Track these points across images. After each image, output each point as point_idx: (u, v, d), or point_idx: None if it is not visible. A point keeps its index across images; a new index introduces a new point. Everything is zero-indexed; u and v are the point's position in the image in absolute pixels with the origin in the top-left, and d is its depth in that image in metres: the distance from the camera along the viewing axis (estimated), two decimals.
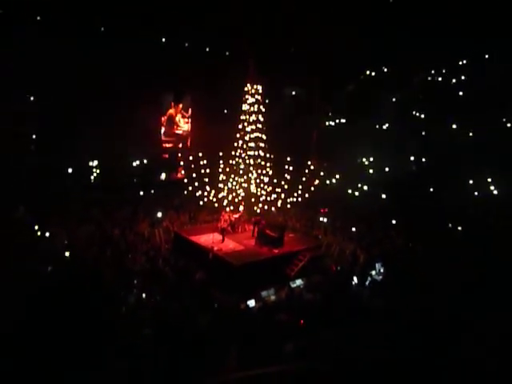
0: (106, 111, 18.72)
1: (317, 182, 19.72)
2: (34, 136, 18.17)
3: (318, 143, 21.83)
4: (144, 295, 11.45)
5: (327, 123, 22.71)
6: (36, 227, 14.13)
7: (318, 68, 20.98)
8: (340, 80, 21.72)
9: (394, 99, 22.21)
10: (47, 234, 14.07)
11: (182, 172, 21.70)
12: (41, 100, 17.95)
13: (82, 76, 17.66)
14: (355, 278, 13.20)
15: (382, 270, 13.72)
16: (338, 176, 20.48)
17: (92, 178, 18.64)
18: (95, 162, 19.12)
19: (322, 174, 20.42)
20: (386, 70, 21.80)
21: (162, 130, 23.03)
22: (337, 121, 23.50)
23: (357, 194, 19.59)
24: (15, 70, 16.29)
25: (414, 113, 21.02)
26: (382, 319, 10.54)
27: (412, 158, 20.31)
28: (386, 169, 20.44)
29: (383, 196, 19.23)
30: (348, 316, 10.70)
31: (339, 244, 15.76)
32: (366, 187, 19.77)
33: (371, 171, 20.83)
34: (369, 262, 14.14)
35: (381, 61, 21.46)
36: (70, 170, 18.22)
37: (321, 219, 17.61)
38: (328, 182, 20.34)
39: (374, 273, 13.62)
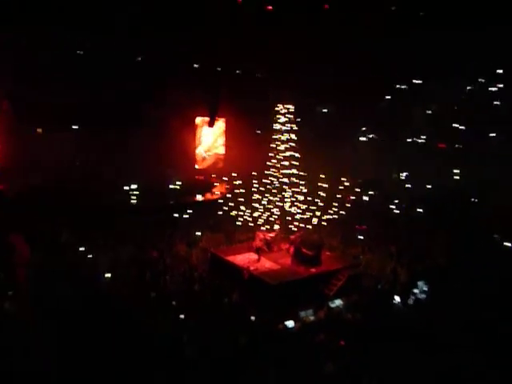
0: (144, 135, 19.41)
1: (352, 198, 19.38)
2: (76, 162, 19.02)
3: (352, 159, 21.55)
4: (182, 316, 11.51)
5: (361, 138, 22.44)
6: (80, 249, 14.67)
7: (350, 83, 20.92)
8: (373, 94, 21.49)
9: (429, 111, 21.70)
10: (90, 256, 14.56)
11: (217, 192, 21.98)
12: (81, 126, 18.83)
13: (120, 101, 18.45)
14: (397, 297, 12.72)
15: (425, 289, 13.16)
16: (373, 192, 20.08)
17: (132, 200, 19.18)
18: (134, 186, 19.71)
19: (357, 190, 20.07)
20: (419, 82, 21.39)
21: (197, 152, 23.51)
22: (370, 136, 23.17)
23: (395, 209, 19.08)
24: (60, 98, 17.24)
25: (451, 125, 20.38)
26: (426, 340, 10.05)
27: (454, 171, 19.61)
28: (426, 184, 19.84)
29: (423, 211, 18.63)
30: (390, 336, 10.31)
31: (379, 262, 15.30)
32: (404, 203, 19.24)
33: (409, 186, 20.28)
34: (411, 280, 13.62)
35: (414, 73, 21.10)
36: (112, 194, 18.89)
37: (358, 237, 17.23)
38: (364, 198, 19.96)
39: (417, 291, 13.08)
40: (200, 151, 23.67)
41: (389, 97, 22.18)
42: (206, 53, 19.82)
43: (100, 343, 9.35)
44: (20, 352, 8.90)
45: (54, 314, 10.34)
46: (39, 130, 18.55)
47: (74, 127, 18.81)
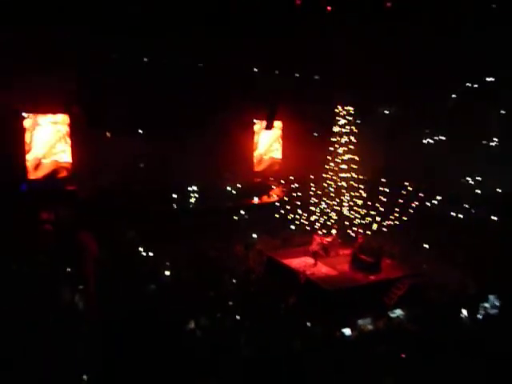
0: (203, 138, 19.93)
1: (416, 203, 18.48)
2: (140, 165, 19.97)
3: (416, 162, 20.56)
4: (238, 317, 11.63)
5: (425, 141, 21.36)
6: (142, 248, 15.38)
7: (414, 83, 20.01)
8: (440, 94, 20.37)
9: (502, 112, 20.17)
10: (151, 254, 15.21)
11: (274, 195, 22.01)
12: (146, 130, 19.74)
13: (183, 106, 19.09)
14: (464, 311, 11.90)
15: (497, 304, 12.18)
16: (439, 197, 19.00)
17: (191, 202, 19.80)
18: (194, 187, 20.33)
19: (421, 195, 19.12)
20: (491, 79, 19.93)
21: (255, 154, 23.69)
22: (436, 138, 22.00)
23: (462, 216, 17.91)
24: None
25: None
26: (498, 358, 9.29)
27: None
28: (498, 189, 18.43)
29: (494, 219, 17.31)
30: (456, 352, 9.66)
31: (444, 272, 14.44)
32: (474, 208, 18.01)
33: (479, 191, 18.95)
34: (480, 292, 12.69)
35: (485, 71, 19.69)
36: (174, 195, 19.61)
37: (422, 244, 16.39)
38: (428, 203, 18.95)
39: (487, 305, 12.15)
40: (257, 154, 23.82)
41: (455, 96, 20.92)
42: (265, 56, 19.93)
43: (159, 341, 9.70)
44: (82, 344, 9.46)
45: (117, 309, 10.90)
46: (108, 134, 19.71)
47: (139, 131, 19.77)
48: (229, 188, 21.16)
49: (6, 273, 12.33)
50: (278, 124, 23.74)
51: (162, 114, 18.93)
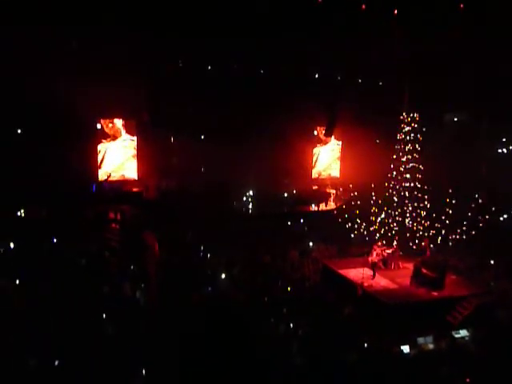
0: (263, 144, 20.14)
1: (486, 217, 17.24)
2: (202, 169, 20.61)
3: (489, 173, 19.21)
4: (292, 325, 11.55)
5: (499, 150, 19.92)
6: (201, 249, 15.83)
7: (486, 90, 18.79)
8: None
9: None
10: (209, 256, 15.60)
11: (332, 203, 21.67)
12: (207, 136, 20.35)
13: (243, 112, 19.45)
14: None
15: None
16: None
17: (249, 206, 20.08)
18: (252, 192, 20.60)
19: (493, 208, 17.82)
20: None
21: (313, 171, 23.52)
22: (511, 147, 20.45)
23: None
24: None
25: None
26: None
27: None
28: None
29: None
30: None
31: None
32: None
33: None
34: None
35: None
36: (231, 199, 20.03)
37: (491, 261, 15.26)
38: (500, 217, 17.62)
39: None
40: (316, 171, 23.63)
41: None
42: (329, 60, 19.76)
43: (214, 340, 9.90)
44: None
45: (176, 309, 11.29)
46: (172, 139, 20.60)
47: (201, 136, 20.42)
48: (286, 194, 21.17)
49: (75, 266, 13.28)
50: (336, 144, 23.51)
51: (223, 119, 19.44)
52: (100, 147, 19.38)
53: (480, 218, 16.77)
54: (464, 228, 15.77)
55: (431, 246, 15.02)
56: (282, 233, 18.17)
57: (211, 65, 19.95)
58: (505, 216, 17.56)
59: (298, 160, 22.34)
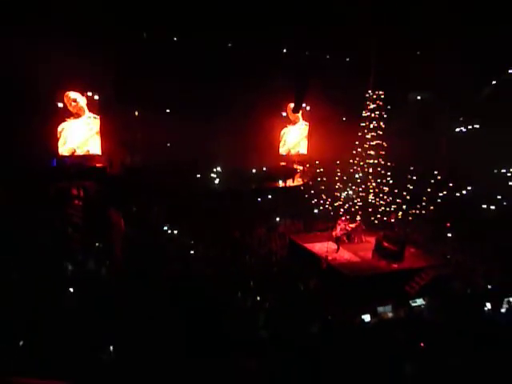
0: (231, 120, 19.93)
1: (444, 193, 18.04)
2: (167, 144, 20.20)
3: (447, 151, 19.96)
4: (258, 298, 11.79)
5: (458, 129, 20.66)
6: (166, 227, 15.71)
7: (448, 70, 19.27)
8: (474, 81, 19.55)
9: None
10: (175, 233, 15.53)
11: (299, 179, 21.93)
12: (173, 110, 19.89)
13: (210, 86, 19.08)
14: (488, 304, 11.67)
15: None
16: (470, 188, 18.45)
17: (216, 183, 19.99)
18: (219, 169, 20.47)
19: (450, 184, 18.62)
20: None
21: (281, 150, 23.57)
22: (470, 126, 21.23)
23: (493, 208, 17.37)
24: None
25: None
26: None
27: None
28: None
29: None
30: (477, 344, 9.53)
31: (470, 263, 14.15)
32: (506, 201, 17.42)
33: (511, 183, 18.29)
34: (506, 285, 12.39)
35: None
36: (198, 175, 19.83)
37: (448, 235, 16.05)
38: (458, 193, 18.45)
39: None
40: (284, 150, 23.72)
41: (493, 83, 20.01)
42: (296, 38, 19.58)
43: (177, 316, 9.97)
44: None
45: (141, 284, 11.24)
46: (136, 113, 20.01)
47: (167, 110, 19.93)
48: (254, 170, 21.20)
49: (34, 244, 12.88)
50: (304, 124, 23.58)
51: (189, 94, 19.01)
52: (63, 125, 18.68)
53: (439, 193, 17.54)
54: (423, 203, 16.44)
55: (392, 220, 15.58)
56: (250, 209, 18.31)
57: (177, 37, 19.32)
58: (463, 192, 18.38)
59: (266, 136, 22.33)
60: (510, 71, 19.30)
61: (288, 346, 9.30)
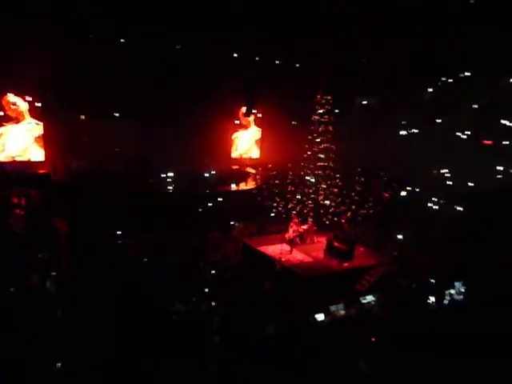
0: (181, 124, 19.67)
1: (389, 193, 18.90)
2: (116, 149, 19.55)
3: (392, 153, 20.93)
4: (213, 303, 11.71)
5: (401, 132, 21.72)
6: (116, 233, 15.20)
7: (392, 76, 20.25)
8: (416, 87, 20.69)
9: (475, 106, 20.67)
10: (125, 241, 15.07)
11: (251, 182, 22.07)
12: (122, 114, 19.30)
13: (159, 90, 18.75)
14: (432, 297, 12.37)
15: (462, 290, 12.71)
16: (412, 188, 19.47)
17: (168, 188, 19.61)
18: (170, 173, 20.11)
19: (395, 185, 19.55)
20: (466, 75, 20.34)
21: (233, 155, 23.58)
22: (412, 130, 22.39)
23: (435, 207, 18.43)
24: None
25: (500, 120, 19.28)
26: (461, 343, 9.71)
27: (499, 169, 18.59)
28: (468, 182, 18.98)
29: (463, 209, 17.89)
30: (422, 337, 10.06)
31: (415, 260, 14.90)
32: (444, 200, 18.53)
33: (451, 183, 19.49)
34: (448, 280, 13.18)
35: (460, 66, 20.08)
36: (149, 180, 19.37)
37: (394, 233, 16.81)
38: (402, 193, 19.40)
39: (453, 292, 12.66)
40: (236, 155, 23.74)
41: (432, 89, 21.27)
42: (245, 42, 19.74)
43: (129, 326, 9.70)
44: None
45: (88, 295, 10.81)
46: (82, 117, 19.22)
47: (115, 115, 19.31)
48: (206, 174, 21.05)
49: None
50: (256, 129, 23.75)
51: (139, 98, 18.57)
52: (1, 130, 17.64)
53: (385, 193, 18.36)
54: (371, 203, 17.11)
55: (343, 221, 16.07)
56: (203, 213, 18.16)
57: (125, 39, 18.78)
58: (405, 192, 19.34)
59: (218, 140, 22.28)
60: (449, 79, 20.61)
61: (243, 349, 9.32)
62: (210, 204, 18.80)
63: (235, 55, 20.60)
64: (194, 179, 20.29)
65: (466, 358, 9.00)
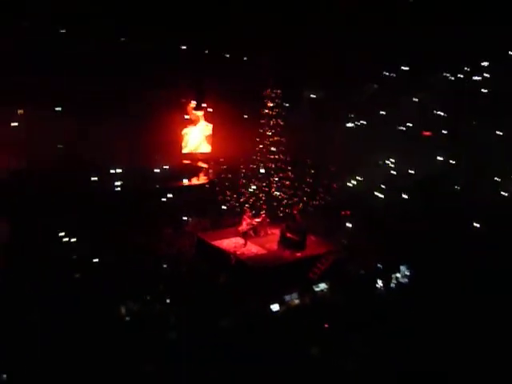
0: (130, 118, 19.05)
1: (338, 184, 19.54)
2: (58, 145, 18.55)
3: (339, 145, 21.61)
4: (168, 300, 11.57)
5: (348, 125, 22.48)
6: (62, 233, 14.54)
7: (338, 70, 20.84)
8: (361, 81, 21.45)
9: (415, 99, 21.82)
10: (74, 240, 14.46)
11: (204, 177, 21.89)
12: (65, 108, 18.33)
13: (105, 83, 17.99)
14: (379, 281, 12.99)
15: (407, 273, 13.47)
16: (359, 178, 20.24)
17: (116, 185, 18.93)
18: (119, 170, 19.41)
19: (343, 176, 20.24)
20: (406, 69, 21.38)
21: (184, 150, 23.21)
22: (357, 122, 23.23)
23: (380, 196, 19.30)
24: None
25: (437, 113, 20.49)
26: (406, 324, 10.31)
27: (438, 159, 19.79)
28: (410, 170, 20.06)
29: (406, 197, 18.89)
30: (373, 320, 10.56)
31: (363, 247, 15.55)
32: (388, 189, 19.46)
33: (394, 173, 20.49)
34: (394, 264, 13.90)
35: (401, 60, 21.07)
36: (94, 178, 18.59)
37: (344, 222, 17.43)
38: (350, 184, 20.12)
39: (399, 275, 13.37)
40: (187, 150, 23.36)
41: (376, 84, 22.16)
42: (193, 34, 19.44)
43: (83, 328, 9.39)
44: None
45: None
46: (20, 111, 18.04)
47: (57, 109, 18.30)
48: (157, 170, 20.56)
49: None
50: (206, 123, 23.50)
51: (83, 91, 17.70)
52: None
53: (334, 184, 18.96)
54: (321, 194, 17.62)
55: (295, 212, 16.42)
56: (155, 209, 17.79)
57: (65, 29, 17.78)
58: (353, 182, 20.08)
59: (168, 135, 21.78)
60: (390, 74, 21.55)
61: (200, 344, 9.31)
62: (162, 200, 18.46)
63: (183, 47, 20.24)
64: (143, 175, 19.73)
65: (411, 338, 9.57)
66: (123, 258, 13.87)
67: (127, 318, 10.63)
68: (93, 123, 18.12)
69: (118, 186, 18.90)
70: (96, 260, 13.39)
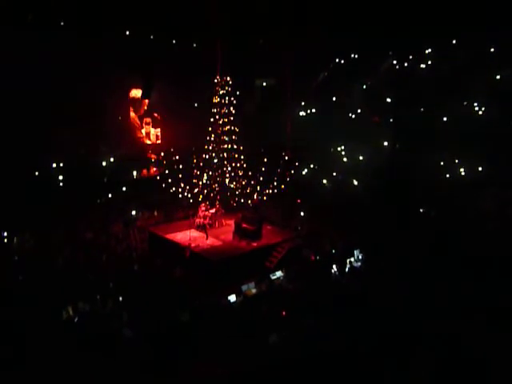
0: (75, 107, 17.91)
1: (292, 172, 19.63)
2: None
3: (292, 134, 21.68)
4: (121, 298, 11.10)
5: (300, 113, 22.58)
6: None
7: (289, 58, 20.80)
8: (311, 69, 21.56)
9: (363, 86, 22.28)
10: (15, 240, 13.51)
11: (154, 169, 21.18)
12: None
13: (46, 69, 16.75)
14: (334, 266, 13.20)
15: (360, 257, 13.79)
16: (312, 166, 20.45)
17: (59, 179, 17.77)
18: (61, 163, 18.22)
19: (296, 164, 20.35)
20: (355, 56, 21.74)
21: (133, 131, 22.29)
22: (309, 111, 23.42)
23: (332, 183, 19.62)
24: None
25: (384, 99, 21.03)
26: (361, 306, 10.53)
27: (385, 144, 20.36)
28: (360, 156, 20.51)
29: (357, 183, 19.33)
30: (329, 304, 10.70)
31: (317, 234, 15.74)
32: (340, 176, 19.82)
33: (345, 159, 20.89)
34: (347, 249, 14.18)
35: (350, 48, 21.39)
36: (36, 173, 17.38)
37: (298, 210, 17.55)
38: (303, 172, 20.29)
39: (352, 260, 13.67)
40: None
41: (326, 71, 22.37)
42: (141, 21, 18.58)
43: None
44: None
45: None
46: None
47: None
48: (103, 163, 19.55)
49: None
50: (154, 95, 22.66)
51: (21, 81, 16.32)
52: None
53: (287, 173, 19.01)
54: (275, 183, 17.61)
55: (249, 201, 16.33)
56: (103, 204, 16.99)
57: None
58: (306, 170, 20.27)
59: (117, 126, 20.80)
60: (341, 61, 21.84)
61: (160, 339, 9.06)
62: (109, 194, 17.65)
63: (128, 33, 19.29)
64: (89, 168, 18.70)
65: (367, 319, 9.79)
66: (70, 256, 13.15)
67: (76, 319, 10.07)
68: (33, 114, 16.81)
69: (61, 181, 17.78)
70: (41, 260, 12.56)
